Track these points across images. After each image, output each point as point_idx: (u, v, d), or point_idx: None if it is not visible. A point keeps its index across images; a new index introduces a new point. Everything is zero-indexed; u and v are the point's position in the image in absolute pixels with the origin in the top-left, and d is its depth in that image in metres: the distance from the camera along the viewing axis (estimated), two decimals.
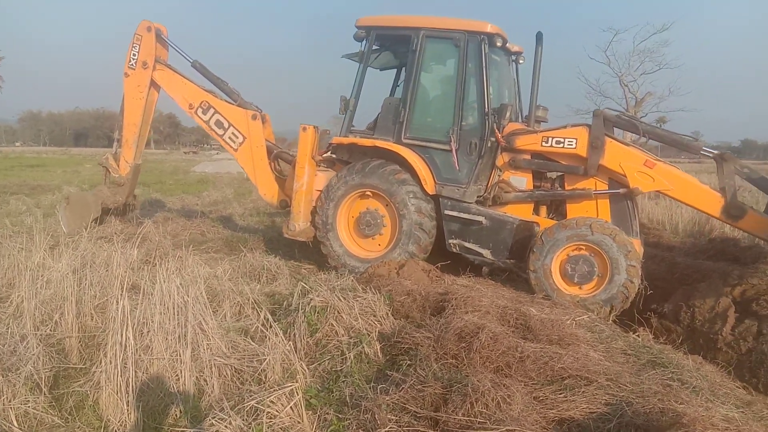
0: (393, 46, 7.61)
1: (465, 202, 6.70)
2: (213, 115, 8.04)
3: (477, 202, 6.77)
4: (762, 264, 6.51)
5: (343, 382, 3.84)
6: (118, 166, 8.49)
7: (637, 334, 5.11)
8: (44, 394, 3.65)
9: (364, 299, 4.90)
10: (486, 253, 6.67)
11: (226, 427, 3.02)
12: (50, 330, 4.41)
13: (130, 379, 3.46)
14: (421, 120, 7.13)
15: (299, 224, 7.49)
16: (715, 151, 6.13)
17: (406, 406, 3.25)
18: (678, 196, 6.15)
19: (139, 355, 3.65)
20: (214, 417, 3.09)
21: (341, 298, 4.79)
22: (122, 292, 3.92)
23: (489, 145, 6.66)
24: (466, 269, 6.77)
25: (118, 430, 3.36)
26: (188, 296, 4.10)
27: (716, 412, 3.24)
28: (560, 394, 3.40)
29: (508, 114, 6.57)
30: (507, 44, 7.06)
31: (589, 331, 4.79)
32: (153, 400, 3.52)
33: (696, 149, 6.19)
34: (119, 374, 3.46)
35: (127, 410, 3.39)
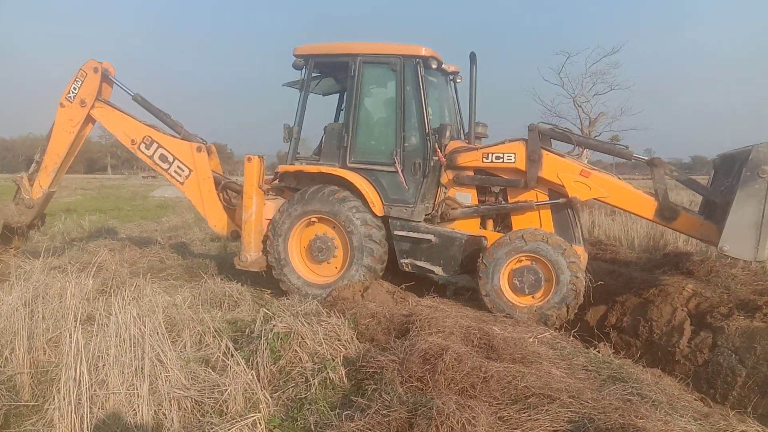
0: (333, 72, 7.75)
1: (413, 221, 6.83)
2: (157, 149, 7.91)
3: (426, 220, 6.92)
4: (714, 277, 6.75)
5: (308, 409, 3.78)
6: (31, 188, 8.21)
7: (597, 349, 5.19)
8: None
9: (329, 323, 4.86)
10: (437, 269, 6.79)
11: None
12: (0, 366, 4.22)
13: (85, 416, 3.32)
14: (365, 144, 7.25)
15: (251, 255, 7.49)
16: (646, 157, 6.41)
17: None
18: (614, 202, 6.39)
19: (95, 390, 3.51)
20: None
21: (305, 323, 4.73)
22: (76, 324, 3.80)
23: (432, 164, 6.83)
24: (430, 289, 6.80)
25: None
26: (145, 327, 3.99)
27: (675, 425, 3.32)
28: (524, 413, 3.42)
29: (447, 133, 6.74)
30: (443, 65, 7.24)
31: (551, 348, 4.86)
32: None
33: (627, 156, 6.49)
34: (73, 411, 3.32)
35: None
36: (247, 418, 3.24)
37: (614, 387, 4.06)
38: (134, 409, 3.52)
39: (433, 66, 6.90)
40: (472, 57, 6.81)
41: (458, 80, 7.98)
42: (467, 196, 6.94)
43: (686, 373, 5.13)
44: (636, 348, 5.76)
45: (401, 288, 6.58)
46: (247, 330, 5.17)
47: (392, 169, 6.91)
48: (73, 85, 7.93)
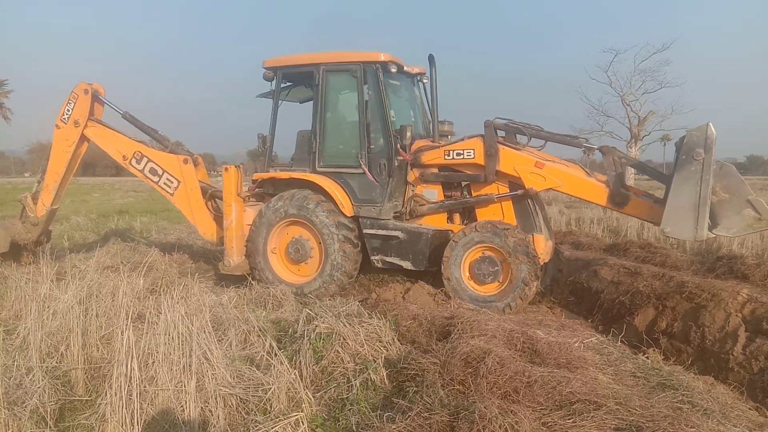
0: (301, 81, 8.07)
1: (382, 219, 7.17)
2: (147, 163, 8.32)
3: (395, 218, 7.28)
4: None
5: (350, 410, 3.80)
6: (35, 207, 8.66)
7: (646, 355, 5.04)
8: (50, 427, 3.63)
9: (370, 325, 4.87)
10: (406, 264, 7.11)
11: None
12: (56, 362, 4.40)
13: (135, 411, 3.43)
14: (332, 148, 7.56)
15: (233, 259, 7.86)
16: (596, 146, 6.62)
17: None
18: (568, 191, 6.63)
19: (144, 386, 3.62)
20: None
21: (346, 324, 4.77)
22: (127, 322, 3.93)
23: (396, 164, 7.12)
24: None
25: None
26: (193, 325, 4.09)
27: None
28: (569, 419, 3.34)
29: (408, 133, 6.96)
30: (405, 68, 7.58)
31: (597, 354, 4.73)
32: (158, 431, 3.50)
33: (578, 144, 6.77)
34: (124, 406, 3.44)
35: None
36: (290, 417, 3.28)
37: (664, 395, 3.93)
38: (182, 406, 3.61)
39: (392, 70, 7.19)
40: (431, 59, 7.14)
41: (424, 80, 8.20)
42: (434, 193, 7.29)
43: (740, 381, 4.92)
44: (687, 355, 5.56)
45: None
46: (290, 330, 5.24)
47: (359, 171, 7.24)
48: (67, 108, 8.40)
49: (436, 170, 7.19)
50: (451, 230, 6.98)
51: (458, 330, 4.63)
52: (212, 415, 3.66)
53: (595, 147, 6.58)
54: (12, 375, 4.00)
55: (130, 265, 7.56)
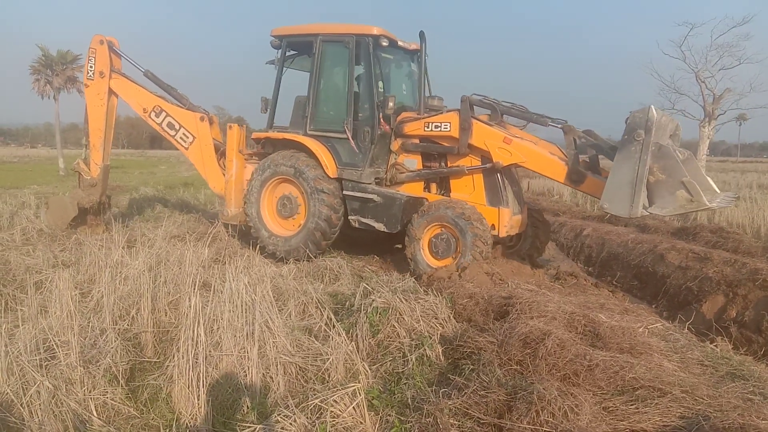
0: (304, 50, 8.42)
1: (362, 182, 7.61)
2: (165, 117, 8.89)
3: (377, 183, 7.70)
4: None
5: (405, 384, 3.83)
6: (89, 169, 9.15)
7: (714, 344, 4.84)
8: (121, 386, 3.83)
9: (426, 301, 4.89)
10: (380, 226, 7.54)
11: (291, 424, 3.08)
12: (127, 324, 4.64)
13: (201, 374, 3.56)
14: (322, 114, 8.09)
15: (231, 210, 8.63)
16: (560, 125, 6.78)
17: (469, 411, 3.19)
18: (531, 166, 6.89)
19: (209, 351, 3.76)
20: (280, 414, 3.16)
21: (403, 299, 4.79)
22: (194, 289, 4.07)
23: (380, 132, 7.51)
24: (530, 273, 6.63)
25: (190, 423, 3.48)
26: (255, 295, 4.21)
27: None
28: (631, 405, 3.25)
29: (390, 104, 7.27)
30: (400, 44, 7.96)
31: (662, 340, 4.57)
32: (222, 395, 3.63)
33: (544, 122, 6.94)
34: (191, 369, 3.57)
35: (198, 404, 3.50)
36: (348, 387, 3.34)
37: (733, 384, 3.77)
38: (245, 371, 3.74)
39: (384, 44, 7.54)
40: (421, 35, 7.43)
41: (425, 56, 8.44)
42: (413, 162, 7.69)
43: None
44: (759, 345, 5.30)
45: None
46: (347, 303, 5.32)
47: (344, 136, 7.66)
48: (89, 64, 8.94)
49: (417, 141, 7.58)
50: (426, 198, 7.43)
51: (517, 310, 4.56)
52: (273, 381, 3.77)
53: (558, 126, 6.79)
54: (87, 335, 4.24)
55: (195, 235, 7.85)
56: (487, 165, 7.03)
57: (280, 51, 8.24)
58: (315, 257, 7.65)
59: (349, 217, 7.79)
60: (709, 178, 6.16)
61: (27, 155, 47.70)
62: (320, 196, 7.61)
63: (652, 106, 5.56)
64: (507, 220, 7.06)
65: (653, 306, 7.04)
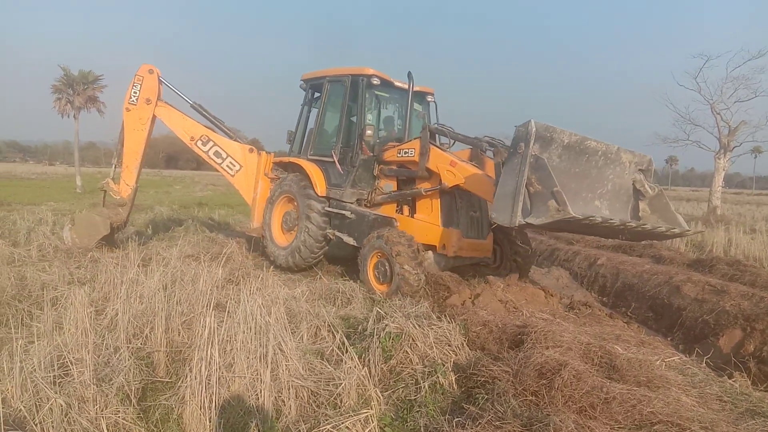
0: (321, 90, 9.33)
1: (343, 201, 8.44)
2: (212, 147, 9.62)
3: (358, 203, 8.46)
4: None
5: (418, 412, 3.79)
6: (119, 189, 9.52)
7: (733, 379, 4.74)
8: (133, 405, 3.79)
9: (439, 327, 4.85)
10: (350, 240, 8.26)
11: None
12: (141, 343, 4.63)
13: (214, 395, 3.54)
14: (320, 141, 9.18)
15: (254, 224, 9.67)
16: (492, 148, 7.04)
17: None
18: (469, 187, 7.22)
19: (222, 373, 3.75)
20: None
21: (416, 325, 4.76)
22: (208, 309, 4.08)
23: (364, 157, 8.36)
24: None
25: None
26: (269, 317, 4.20)
27: None
28: None
29: (369, 132, 8.24)
30: (396, 84, 8.83)
31: (680, 374, 4.49)
32: (234, 418, 3.60)
33: (481, 146, 7.38)
34: (203, 390, 3.56)
35: (209, 426, 3.48)
36: (360, 413, 3.30)
37: (753, 422, 3.69)
38: (257, 394, 3.71)
39: (375, 82, 8.50)
40: (409, 75, 8.20)
41: (429, 99, 9.53)
42: (390, 186, 8.45)
43: None
44: None
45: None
46: (359, 327, 5.29)
47: (331, 160, 8.64)
48: (133, 90, 9.38)
49: (393, 166, 8.32)
50: (395, 218, 7.92)
51: (532, 339, 4.51)
52: (284, 405, 3.74)
53: (491, 149, 7.13)
54: (101, 353, 4.24)
55: (209, 255, 7.88)
56: (437, 187, 7.58)
57: (306, 93, 9.46)
58: (304, 269, 8.56)
59: (327, 231, 8.56)
60: (678, 214, 6.52)
61: (45, 172, 48.47)
62: (306, 214, 8.51)
63: (533, 120, 5.76)
64: (455, 241, 7.47)
65: (669, 338, 6.92)
